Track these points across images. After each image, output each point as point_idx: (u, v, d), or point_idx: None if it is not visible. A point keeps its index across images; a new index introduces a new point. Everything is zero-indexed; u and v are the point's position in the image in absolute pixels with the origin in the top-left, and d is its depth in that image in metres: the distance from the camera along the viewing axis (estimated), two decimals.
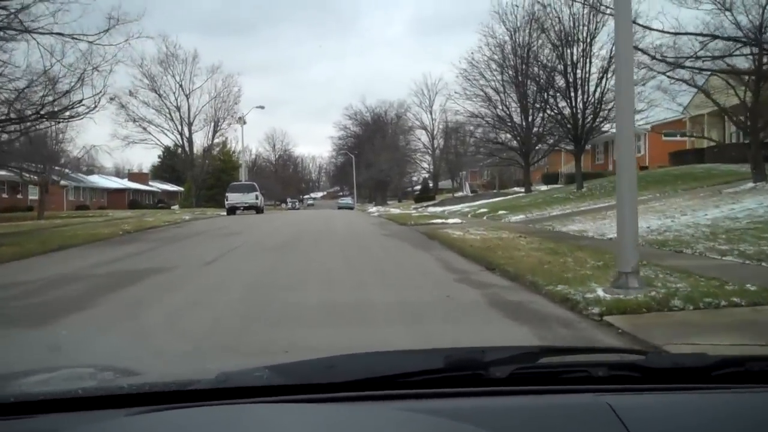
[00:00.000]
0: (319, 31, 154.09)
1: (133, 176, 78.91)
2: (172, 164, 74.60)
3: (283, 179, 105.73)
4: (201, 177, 59.46)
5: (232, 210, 37.20)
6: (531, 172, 61.67)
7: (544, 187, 45.57)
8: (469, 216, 25.96)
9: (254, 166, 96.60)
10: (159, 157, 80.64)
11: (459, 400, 1.33)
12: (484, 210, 26.89)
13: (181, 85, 59.95)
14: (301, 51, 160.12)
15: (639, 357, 1.62)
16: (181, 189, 68.38)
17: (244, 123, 62.50)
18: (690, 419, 1.28)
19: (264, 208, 41.49)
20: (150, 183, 79.53)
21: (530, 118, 32.32)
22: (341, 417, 1.18)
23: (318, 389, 1.33)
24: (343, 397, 1.31)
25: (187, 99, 59.98)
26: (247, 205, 37.41)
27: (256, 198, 37.79)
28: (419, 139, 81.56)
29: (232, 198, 37.33)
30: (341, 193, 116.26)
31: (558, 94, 27.13)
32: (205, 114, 61.22)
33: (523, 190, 46.81)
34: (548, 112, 28.34)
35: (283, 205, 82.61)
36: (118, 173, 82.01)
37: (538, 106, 29.69)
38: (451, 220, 20.70)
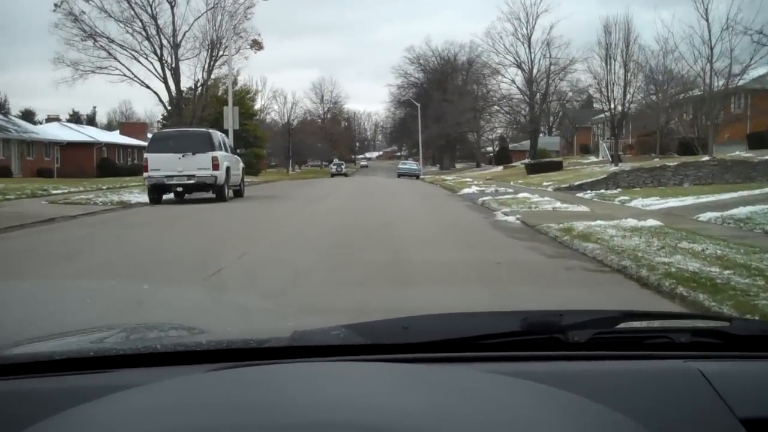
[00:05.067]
0: None
1: (125, 127, 59.37)
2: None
3: (331, 136, 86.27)
4: (192, 126, 38.66)
5: (158, 190, 16.86)
6: (713, 133, 37.49)
7: None
8: None
9: (291, 119, 75.92)
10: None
11: (536, 363, 1.29)
12: None
13: None
14: (366, 13, 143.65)
15: (723, 323, 1.51)
16: None
17: (260, 48, 41.38)
18: None
19: (243, 185, 20.21)
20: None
21: None
22: (419, 376, 1.15)
23: (394, 350, 1.31)
24: (420, 358, 1.29)
25: (171, 7, 38.61)
26: (190, 181, 16.74)
27: (214, 165, 16.80)
28: (512, 81, 58.83)
29: (156, 164, 16.67)
30: (399, 153, 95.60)
31: None
32: (200, 28, 39.88)
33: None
34: None
35: (333, 167, 66.51)
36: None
37: None
38: None
